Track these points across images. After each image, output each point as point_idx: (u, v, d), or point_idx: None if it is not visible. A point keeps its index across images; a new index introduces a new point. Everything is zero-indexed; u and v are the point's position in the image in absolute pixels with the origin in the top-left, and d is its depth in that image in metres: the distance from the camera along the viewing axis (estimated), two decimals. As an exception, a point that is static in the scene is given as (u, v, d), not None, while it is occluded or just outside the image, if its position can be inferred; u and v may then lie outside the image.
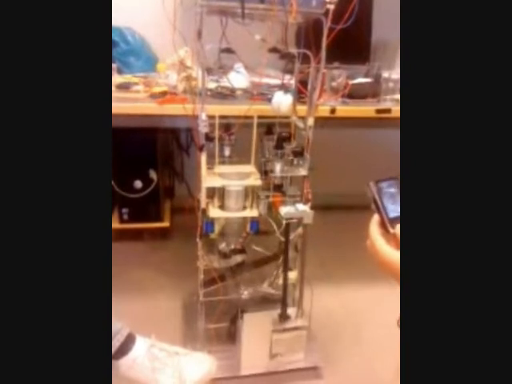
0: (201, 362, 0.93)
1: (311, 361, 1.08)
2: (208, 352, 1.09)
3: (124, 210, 1.65)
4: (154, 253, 1.67)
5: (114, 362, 0.89)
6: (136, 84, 1.39)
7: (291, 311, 1.04)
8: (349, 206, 1.98)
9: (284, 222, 0.94)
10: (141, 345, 0.91)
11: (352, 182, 1.95)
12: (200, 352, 0.97)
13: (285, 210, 0.92)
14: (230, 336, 1.12)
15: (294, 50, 0.91)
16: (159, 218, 1.69)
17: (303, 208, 0.93)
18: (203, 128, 0.93)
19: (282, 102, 0.91)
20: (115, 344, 0.88)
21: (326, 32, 0.87)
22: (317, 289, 1.06)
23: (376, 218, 0.57)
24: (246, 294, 1.08)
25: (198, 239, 1.04)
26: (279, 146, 0.97)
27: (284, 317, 1.02)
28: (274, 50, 0.94)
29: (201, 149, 0.96)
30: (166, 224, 1.71)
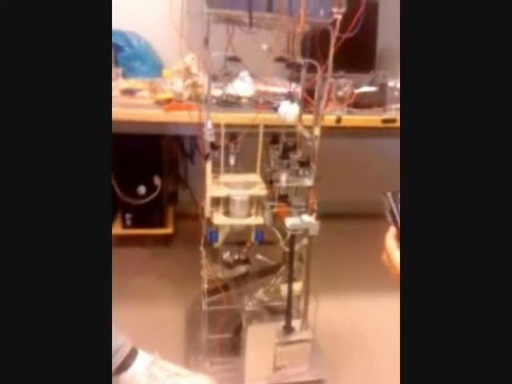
0: None
1: (315, 374, 1.06)
2: (211, 363, 1.08)
3: (127, 216, 1.64)
4: (157, 259, 1.66)
5: (114, 378, 0.87)
6: (141, 90, 1.39)
7: (296, 323, 1.03)
8: (354, 214, 1.97)
9: (289, 233, 0.93)
10: (141, 361, 0.90)
11: (358, 190, 1.95)
12: (202, 374, 0.95)
13: (290, 222, 0.91)
14: (233, 347, 1.10)
15: (300, 60, 0.90)
16: (162, 224, 1.68)
17: (309, 219, 0.92)
18: (209, 137, 0.92)
19: (289, 111, 0.90)
20: (117, 361, 0.86)
21: (333, 42, 0.86)
22: (321, 300, 1.04)
23: (392, 230, 0.55)
24: (250, 305, 1.06)
25: (201, 248, 1.03)
26: (285, 155, 0.96)
27: (289, 329, 1.00)
28: (280, 59, 0.94)
29: (206, 158, 0.95)
30: (169, 230, 1.69)
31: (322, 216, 0.96)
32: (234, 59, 0.98)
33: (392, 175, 1.00)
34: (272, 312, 1.10)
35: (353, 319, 1.38)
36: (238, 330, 1.09)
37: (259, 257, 1.13)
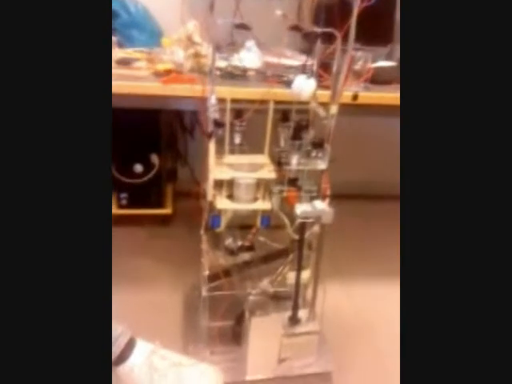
0: (205, 375, 0.86)
1: (322, 365, 1.02)
2: (211, 352, 1.03)
3: (122, 195, 1.56)
4: (154, 240, 1.59)
5: (113, 369, 0.82)
6: (138, 60, 1.29)
7: (302, 313, 0.97)
8: (366, 195, 1.90)
9: (299, 221, 0.86)
10: (141, 351, 0.84)
11: (371, 171, 1.87)
12: (206, 363, 0.90)
13: (301, 209, 0.84)
14: (235, 336, 1.05)
15: (318, 29, 0.81)
16: (161, 204, 1.60)
17: (321, 206, 0.85)
18: (213, 113, 0.84)
19: (304, 87, 0.81)
20: (116, 351, 0.80)
21: (356, 10, 0.77)
22: (327, 288, 0.98)
23: None
24: (253, 292, 1.00)
25: (202, 232, 0.96)
26: (296, 135, 0.88)
27: (295, 320, 0.95)
28: (295, 27, 0.84)
29: (209, 136, 0.87)
30: (167, 211, 1.62)
31: (332, 197, 0.89)
32: (243, 27, 0.89)
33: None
34: (276, 299, 1.04)
35: (360, 308, 1.33)
36: (240, 319, 1.04)
37: (262, 239, 1.06)
